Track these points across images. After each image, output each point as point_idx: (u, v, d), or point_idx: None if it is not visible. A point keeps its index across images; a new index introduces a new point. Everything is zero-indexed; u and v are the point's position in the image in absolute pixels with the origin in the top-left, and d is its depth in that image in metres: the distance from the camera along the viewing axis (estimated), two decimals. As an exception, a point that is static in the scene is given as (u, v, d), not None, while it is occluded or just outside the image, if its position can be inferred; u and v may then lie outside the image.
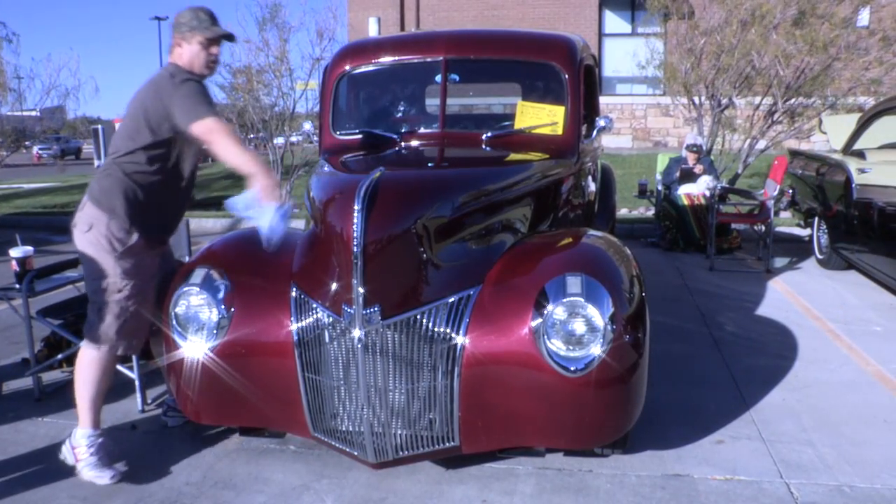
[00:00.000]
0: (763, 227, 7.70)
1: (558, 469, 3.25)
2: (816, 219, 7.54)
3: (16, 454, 3.47)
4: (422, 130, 4.39)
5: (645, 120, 17.59)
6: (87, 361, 3.20)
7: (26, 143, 18.12)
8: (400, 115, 4.80)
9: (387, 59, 4.52)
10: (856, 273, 6.93)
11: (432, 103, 4.64)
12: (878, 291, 6.35)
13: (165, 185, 3.29)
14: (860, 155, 6.61)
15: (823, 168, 7.24)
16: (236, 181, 17.26)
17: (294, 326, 3.00)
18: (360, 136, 4.32)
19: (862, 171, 6.26)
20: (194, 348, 3.09)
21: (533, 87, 4.64)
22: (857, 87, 9.91)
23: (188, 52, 3.24)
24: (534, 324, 2.81)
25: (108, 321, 3.17)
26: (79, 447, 3.16)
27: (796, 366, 4.55)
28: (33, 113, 14.68)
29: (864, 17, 10.64)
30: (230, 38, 3.32)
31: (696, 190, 8.18)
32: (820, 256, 7.45)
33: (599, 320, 2.79)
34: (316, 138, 4.67)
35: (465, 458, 3.14)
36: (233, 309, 3.08)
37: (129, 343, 3.27)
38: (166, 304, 3.21)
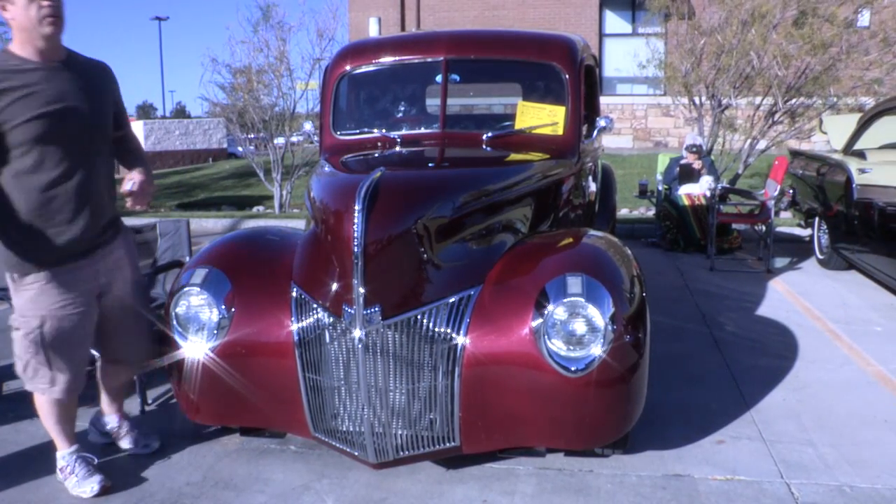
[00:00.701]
0: (763, 228, 7.69)
1: (559, 469, 3.25)
2: (817, 219, 7.54)
3: (16, 454, 3.47)
4: (422, 130, 4.40)
5: (645, 120, 17.58)
6: (34, 398, 3.06)
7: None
8: (400, 115, 4.80)
9: (387, 60, 4.52)
10: (856, 273, 6.93)
11: (433, 103, 4.64)
12: (879, 291, 6.35)
13: (46, 200, 2.78)
14: (861, 155, 6.61)
15: (824, 168, 7.24)
16: (239, 180, 17.30)
17: (294, 326, 3.00)
18: (360, 137, 4.32)
19: (862, 171, 6.26)
20: (195, 348, 3.09)
21: (533, 88, 4.65)
22: (857, 88, 9.92)
23: (17, 13, 2.68)
24: (534, 324, 2.81)
25: (18, 364, 2.95)
26: (61, 469, 3.13)
27: (797, 366, 4.55)
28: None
29: (864, 18, 10.64)
30: None
31: (696, 190, 8.18)
32: (820, 256, 7.45)
33: (600, 320, 2.79)
34: (316, 138, 4.67)
35: (465, 458, 3.14)
36: (233, 309, 3.08)
37: (50, 385, 2.94)
38: (167, 304, 3.21)
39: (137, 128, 26.26)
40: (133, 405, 3.92)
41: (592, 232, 3.50)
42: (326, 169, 3.84)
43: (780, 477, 3.18)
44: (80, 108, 2.83)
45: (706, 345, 4.97)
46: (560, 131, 4.15)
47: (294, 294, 3.06)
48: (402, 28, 17.94)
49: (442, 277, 2.95)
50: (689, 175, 8.32)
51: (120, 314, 3.12)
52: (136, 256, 3.26)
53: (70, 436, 3.13)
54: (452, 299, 2.90)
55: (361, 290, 2.76)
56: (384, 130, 4.29)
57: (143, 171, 3.06)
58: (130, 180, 2.97)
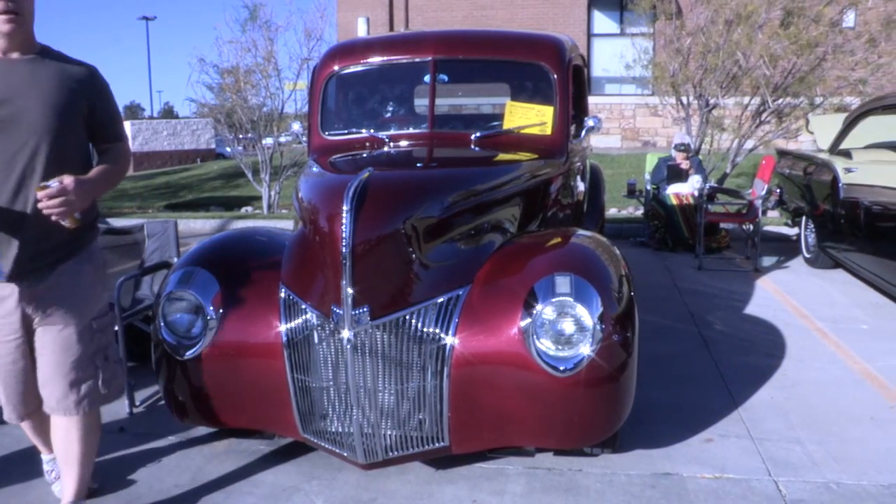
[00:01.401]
0: (751, 227, 7.73)
1: (548, 469, 3.25)
2: (804, 218, 7.58)
3: (2, 458, 3.44)
4: (411, 131, 4.39)
5: (634, 120, 17.62)
6: None
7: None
8: (389, 115, 4.80)
9: (375, 60, 4.51)
10: (843, 272, 6.97)
11: (421, 103, 4.64)
12: (865, 290, 6.39)
13: None
14: (847, 154, 6.65)
15: (811, 168, 7.28)
16: (227, 181, 17.23)
17: (283, 327, 2.99)
18: (348, 137, 4.32)
19: (848, 170, 6.30)
20: (183, 350, 3.08)
21: (522, 88, 4.65)
22: (843, 88, 9.98)
23: None
24: (523, 324, 2.81)
25: None
26: (47, 472, 3.10)
27: (784, 364, 4.58)
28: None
29: (849, 19, 10.71)
30: None
31: (684, 189, 8.21)
32: (807, 255, 7.49)
33: (588, 320, 2.79)
34: (305, 139, 4.66)
35: (454, 458, 3.14)
36: (221, 310, 3.07)
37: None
38: (155, 305, 3.20)
39: (125, 129, 26.05)
40: (121, 407, 3.90)
41: (581, 232, 3.51)
42: (315, 169, 3.83)
43: (767, 474, 3.20)
44: (23, 109, 2.50)
45: (695, 344, 4.99)
46: (548, 131, 4.16)
47: (282, 295, 3.05)
48: (391, 28, 17.93)
49: (430, 277, 2.95)
50: (677, 175, 8.35)
51: (45, 356, 2.66)
52: (93, 290, 2.74)
53: (49, 443, 2.98)
54: (441, 299, 2.90)
55: (350, 290, 2.75)
56: (372, 131, 4.28)
57: (84, 182, 2.50)
58: (58, 180, 2.43)
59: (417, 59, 4.38)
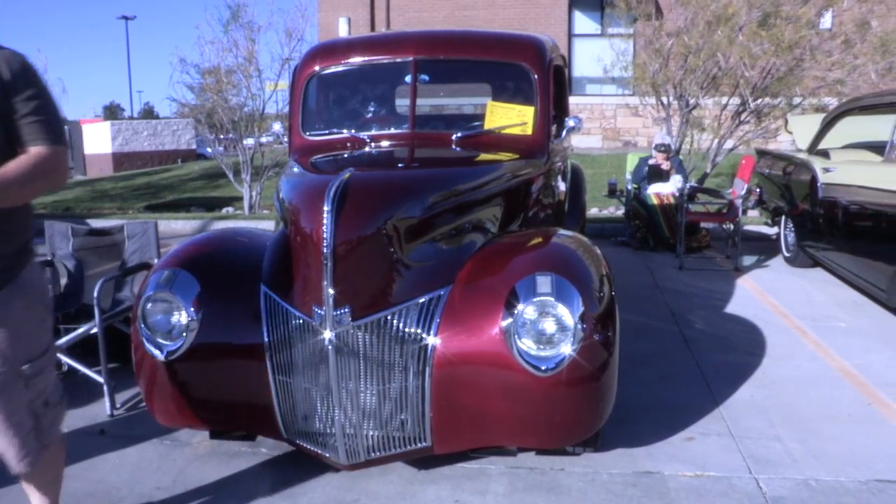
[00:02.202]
0: (731, 226, 7.79)
1: (530, 468, 3.26)
2: (783, 217, 7.65)
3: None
4: (392, 131, 4.38)
5: (614, 120, 17.70)
6: None
7: None
8: (370, 115, 4.79)
9: (356, 60, 4.51)
10: (821, 270, 7.04)
11: (402, 104, 4.63)
12: (843, 288, 6.46)
13: None
14: (825, 154, 6.72)
15: (790, 167, 7.35)
16: (208, 181, 17.14)
17: (264, 328, 2.97)
18: (329, 137, 4.30)
19: (827, 170, 6.37)
20: (163, 351, 3.05)
21: (503, 88, 4.66)
22: (821, 88, 10.08)
23: None
24: (504, 323, 2.82)
25: None
26: None
27: (764, 362, 4.61)
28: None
29: (826, 20, 10.82)
30: None
31: (665, 189, 8.26)
32: (787, 254, 7.56)
33: (569, 319, 2.80)
34: (286, 139, 4.64)
35: (437, 458, 3.13)
36: (202, 312, 3.05)
37: None
38: (134, 307, 3.17)
39: (104, 129, 25.86)
40: (102, 410, 3.87)
41: (562, 231, 3.52)
42: (295, 170, 3.82)
43: (748, 472, 3.23)
44: None
45: (675, 343, 5.02)
46: (529, 131, 4.17)
47: (263, 296, 3.04)
48: (372, 28, 17.91)
49: (412, 278, 2.95)
50: (658, 174, 8.40)
51: None
52: (22, 328, 2.27)
53: None
54: (422, 299, 2.90)
55: (331, 291, 2.74)
56: (353, 131, 4.28)
57: None
58: None
59: (399, 60, 4.38)
